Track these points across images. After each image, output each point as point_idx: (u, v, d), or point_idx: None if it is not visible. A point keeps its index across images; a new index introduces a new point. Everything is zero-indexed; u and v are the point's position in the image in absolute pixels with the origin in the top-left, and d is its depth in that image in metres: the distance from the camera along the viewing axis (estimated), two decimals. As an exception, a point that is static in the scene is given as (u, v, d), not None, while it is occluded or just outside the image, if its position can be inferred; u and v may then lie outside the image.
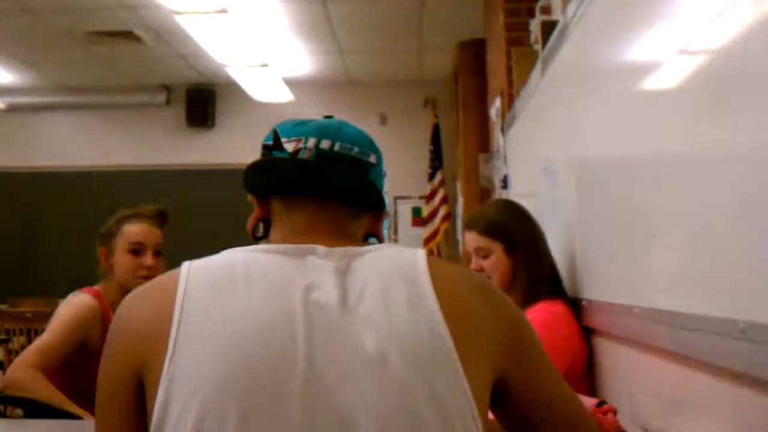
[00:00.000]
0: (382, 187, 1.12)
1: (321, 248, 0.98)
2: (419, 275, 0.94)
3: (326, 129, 1.08)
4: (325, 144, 1.06)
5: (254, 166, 1.11)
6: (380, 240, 1.14)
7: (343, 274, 0.94)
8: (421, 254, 0.98)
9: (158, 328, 0.90)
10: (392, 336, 0.88)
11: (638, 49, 1.64)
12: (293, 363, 0.86)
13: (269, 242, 1.06)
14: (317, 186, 1.06)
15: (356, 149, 1.07)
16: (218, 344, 0.87)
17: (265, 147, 1.11)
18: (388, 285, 0.93)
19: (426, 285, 0.93)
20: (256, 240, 1.10)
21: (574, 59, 2.31)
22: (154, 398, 0.87)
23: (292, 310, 0.89)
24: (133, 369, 0.91)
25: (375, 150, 1.11)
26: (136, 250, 2.37)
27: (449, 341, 0.89)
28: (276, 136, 1.10)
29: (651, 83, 1.55)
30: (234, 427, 0.82)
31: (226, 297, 0.91)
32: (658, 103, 1.50)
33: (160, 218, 2.52)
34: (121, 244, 2.38)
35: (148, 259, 2.37)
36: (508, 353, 0.96)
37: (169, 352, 0.87)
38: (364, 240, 1.12)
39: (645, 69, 1.57)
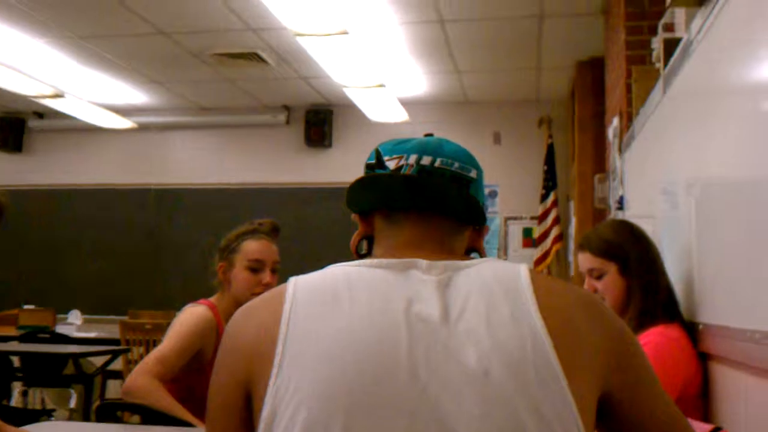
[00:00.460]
0: (483, 202, 1.12)
1: (423, 262, 0.99)
2: (522, 289, 0.93)
3: (427, 146, 1.10)
4: (426, 160, 1.08)
5: (357, 183, 1.13)
6: (482, 254, 1.14)
7: (444, 288, 0.95)
8: (523, 268, 0.97)
9: (264, 345, 0.92)
10: (495, 349, 0.87)
11: (762, 67, 1.58)
12: (397, 377, 0.86)
13: (372, 258, 1.07)
14: (419, 200, 1.07)
15: (457, 164, 1.09)
16: (323, 360, 0.88)
17: (368, 166, 1.13)
18: (490, 298, 0.92)
19: (529, 299, 0.92)
20: (360, 257, 1.12)
21: (697, 77, 2.24)
22: (260, 413, 0.89)
23: (395, 324, 0.90)
24: (241, 384, 0.94)
25: (476, 165, 1.12)
26: (255, 267, 2.42)
27: (553, 356, 0.87)
28: (378, 155, 1.12)
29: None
30: None
31: (330, 312, 0.92)
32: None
33: (275, 231, 2.57)
34: (240, 261, 2.43)
35: (266, 277, 2.42)
36: (614, 369, 0.94)
37: (275, 369, 0.90)
38: (466, 254, 1.12)
39: (770, 86, 1.52)
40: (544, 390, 0.86)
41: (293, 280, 0.99)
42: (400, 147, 1.11)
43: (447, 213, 1.08)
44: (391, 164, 1.10)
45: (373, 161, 1.13)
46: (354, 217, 1.15)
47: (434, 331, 0.90)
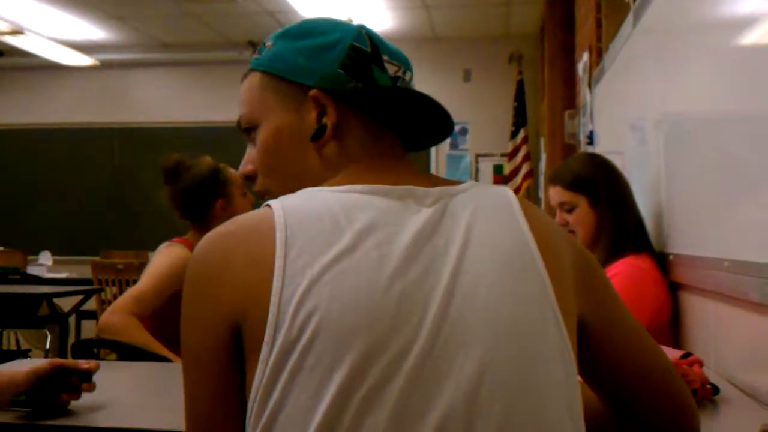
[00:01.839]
0: None
1: (419, 189, 0.89)
2: (513, 211, 0.91)
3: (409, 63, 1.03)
4: (411, 82, 1.00)
5: (361, 63, 0.96)
6: None
7: (443, 217, 0.87)
8: (510, 192, 0.94)
9: (257, 275, 0.80)
10: (500, 263, 0.85)
11: (734, 2, 1.60)
12: (410, 321, 0.79)
13: (348, 175, 0.94)
14: (424, 127, 1.01)
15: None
16: (332, 296, 0.78)
17: (355, 50, 0.96)
18: (487, 223, 0.88)
19: (520, 218, 0.90)
20: (312, 139, 0.95)
21: (667, 12, 2.26)
22: (259, 346, 0.78)
23: (403, 263, 0.81)
24: (228, 320, 0.81)
25: None
26: (245, 192, 2.51)
27: (546, 276, 0.86)
28: (375, 49, 0.98)
29: (751, 36, 1.52)
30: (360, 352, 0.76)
31: (331, 245, 0.81)
32: (758, 57, 1.47)
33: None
34: (236, 189, 2.50)
35: (251, 197, 2.52)
36: (586, 295, 0.92)
37: (273, 307, 0.78)
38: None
39: (744, 21, 1.54)
40: (538, 304, 0.84)
41: (278, 205, 0.85)
42: (397, 55, 1.00)
43: (435, 143, 1.06)
44: (390, 70, 0.98)
45: (367, 50, 0.97)
46: (316, 94, 0.95)
47: (443, 257, 0.83)
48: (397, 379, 0.76)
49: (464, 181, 0.95)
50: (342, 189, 0.88)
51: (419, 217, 0.86)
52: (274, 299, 0.78)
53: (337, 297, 0.78)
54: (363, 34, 0.98)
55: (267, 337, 0.78)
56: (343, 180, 0.92)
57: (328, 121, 0.95)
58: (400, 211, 0.86)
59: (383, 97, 0.97)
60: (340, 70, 0.95)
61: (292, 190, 0.91)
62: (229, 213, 2.46)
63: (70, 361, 1.42)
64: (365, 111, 0.97)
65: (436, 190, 0.90)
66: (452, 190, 0.91)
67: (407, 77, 0.99)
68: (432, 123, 1.02)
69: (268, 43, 1.01)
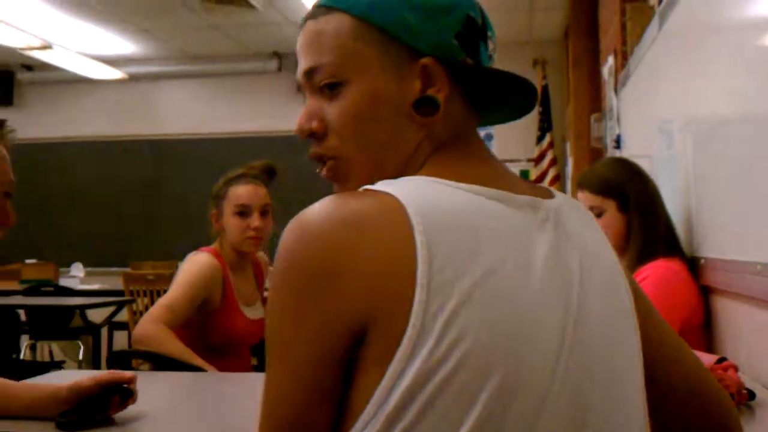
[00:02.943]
0: None
1: (534, 200, 0.81)
2: (599, 229, 0.89)
3: None
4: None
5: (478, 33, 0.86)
6: None
7: (558, 232, 0.81)
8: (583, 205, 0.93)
9: (397, 281, 0.70)
10: (607, 290, 0.84)
11: (761, 2, 1.59)
12: (564, 324, 0.75)
13: (442, 163, 0.83)
14: (513, 108, 0.94)
15: None
16: (484, 304, 0.71)
17: (471, 21, 0.85)
18: (592, 243, 0.85)
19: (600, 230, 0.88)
20: (416, 112, 0.83)
21: (693, 13, 2.24)
22: (386, 359, 0.69)
23: (543, 285, 0.75)
24: (353, 323, 0.71)
25: None
26: (243, 212, 2.41)
27: (631, 301, 0.86)
28: (484, 20, 0.88)
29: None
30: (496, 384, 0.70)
31: (476, 259, 0.72)
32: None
33: (268, 174, 2.56)
34: (228, 207, 2.43)
35: (255, 221, 2.41)
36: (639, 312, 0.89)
37: (418, 299, 0.69)
38: None
39: (771, 21, 1.53)
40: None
41: (407, 199, 0.74)
42: (493, 31, 0.90)
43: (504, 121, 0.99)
44: (489, 47, 0.88)
45: (479, 22, 0.86)
46: (430, 62, 0.82)
47: (568, 295, 0.78)
48: (542, 413, 0.72)
49: (547, 187, 0.90)
50: (467, 188, 0.78)
51: (545, 236, 0.79)
52: (417, 311, 0.69)
53: (488, 321, 0.70)
54: (477, 4, 0.88)
55: (401, 353, 0.69)
56: (441, 170, 0.81)
57: (441, 95, 0.83)
58: (526, 225, 0.79)
59: (488, 79, 0.87)
60: (454, 41, 0.83)
61: (371, 161, 0.84)
62: (218, 227, 2.47)
63: (111, 376, 1.43)
64: (465, 90, 0.87)
65: (546, 203, 0.83)
66: (554, 203, 0.84)
67: (491, 49, 0.89)
68: (513, 106, 0.95)
69: None
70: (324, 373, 0.72)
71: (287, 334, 0.73)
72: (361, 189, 0.79)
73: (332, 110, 0.85)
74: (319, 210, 0.75)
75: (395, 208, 0.73)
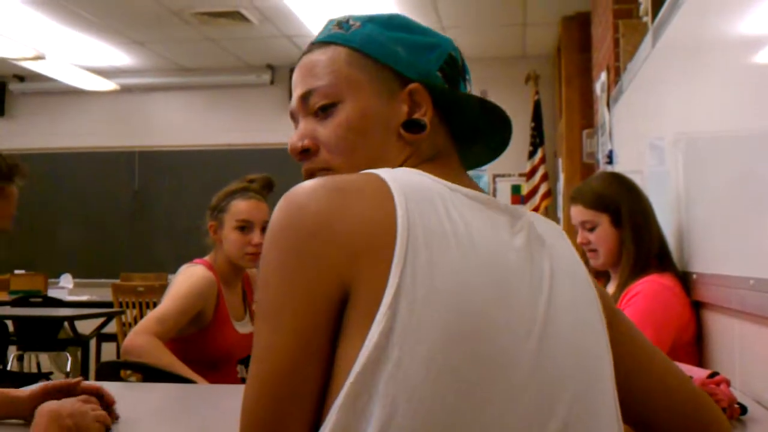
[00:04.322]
0: None
1: (509, 206, 0.88)
2: (571, 244, 0.93)
3: None
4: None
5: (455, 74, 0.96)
6: None
7: (530, 234, 0.87)
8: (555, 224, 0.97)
9: (376, 240, 0.74)
10: (579, 299, 0.87)
11: (754, 20, 1.60)
12: (518, 329, 0.78)
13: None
14: (492, 145, 1.02)
15: None
16: (455, 281, 0.74)
17: (452, 59, 0.97)
18: (562, 256, 0.89)
19: (574, 252, 0.92)
20: (409, 132, 0.92)
21: (686, 30, 2.26)
22: (370, 316, 0.72)
23: (514, 273, 0.80)
24: (339, 282, 0.74)
25: None
26: (244, 227, 2.39)
27: (602, 314, 0.89)
28: (463, 64, 0.99)
29: (770, 52, 1.52)
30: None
31: (447, 229, 0.77)
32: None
33: (268, 187, 2.54)
34: (229, 221, 2.40)
35: (255, 237, 2.38)
36: (610, 324, 0.91)
37: (395, 268, 0.73)
38: None
39: (763, 39, 1.54)
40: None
41: (385, 176, 0.80)
42: (469, 72, 1.01)
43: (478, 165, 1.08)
44: (467, 87, 0.99)
45: (459, 62, 0.98)
46: (416, 88, 0.92)
47: (539, 295, 0.82)
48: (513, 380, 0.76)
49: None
50: (448, 185, 0.84)
51: (519, 238, 0.84)
52: (395, 273, 0.73)
53: (463, 284, 0.74)
54: (456, 47, 0.99)
55: (381, 315, 0.72)
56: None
57: (426, 118, 0.92)
58: (502, 224, 0.84)
59: (469, 109, 0.96)
60: (438, 73, 0.94)
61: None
62: (216, 238, 2.45)
63: (61, 384, 1.41)
64: (447, 120, 0.96)
65: (522, 211, 0.89)
66: (528, 215, 0.90)
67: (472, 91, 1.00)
68: (493, 143, 1.03)
69: (354, 23, 0.96)
70: (312, 335, 0.75)
71: (277, 294, 0.76)
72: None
73: (324, 128, 0.93)
74: (306, 184, 0.81)
75: (378, 182, 0.79)
